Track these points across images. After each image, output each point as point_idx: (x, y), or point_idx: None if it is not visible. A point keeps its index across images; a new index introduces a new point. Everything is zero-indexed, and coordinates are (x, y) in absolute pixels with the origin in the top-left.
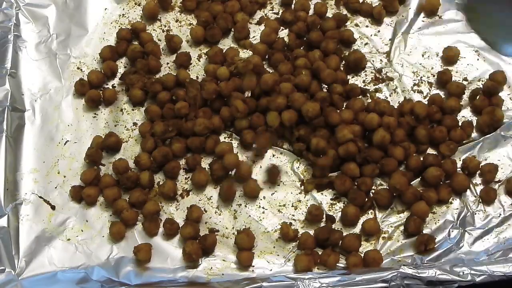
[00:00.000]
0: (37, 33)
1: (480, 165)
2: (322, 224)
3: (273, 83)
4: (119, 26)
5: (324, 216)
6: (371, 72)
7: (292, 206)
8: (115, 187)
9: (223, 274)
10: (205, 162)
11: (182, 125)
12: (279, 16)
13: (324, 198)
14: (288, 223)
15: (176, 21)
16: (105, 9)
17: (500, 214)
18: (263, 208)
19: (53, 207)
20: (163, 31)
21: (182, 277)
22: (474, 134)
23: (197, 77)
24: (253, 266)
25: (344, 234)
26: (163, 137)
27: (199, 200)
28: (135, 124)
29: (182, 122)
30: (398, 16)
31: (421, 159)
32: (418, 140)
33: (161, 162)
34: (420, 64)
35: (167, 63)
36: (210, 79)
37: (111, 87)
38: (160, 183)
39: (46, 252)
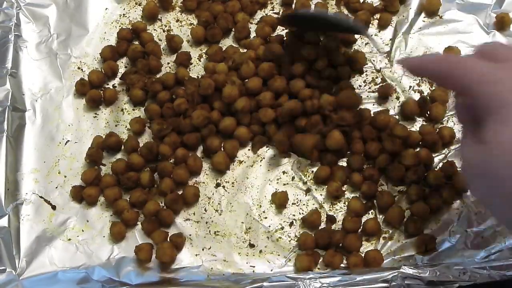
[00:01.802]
0: (38, 33)
1: None
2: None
3: (271, 70)
4: (119, 26)
5: (325, 216)
6: (372, 72)
7: (293, 205)
8: (115, 187)
9: (223, 274)
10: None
11: (181, 122)
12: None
13: (325, 198)
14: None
15: (177, 21)
16: (106, 9)
17: None
18: (264, 207)
19: (53, 207)
20: (163, 31)
21: (183, 276)
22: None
23: (198, 77)
24: (254, 266)
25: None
26: (159, 134)
27: (201, 200)
28: None
29: (180, 120)
30: (399, 16)
31: None
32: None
33: (147, 155)
34: None
35: (168, 63)
36: (208, 75)
37: (111, 87)
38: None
39: (47, 252)
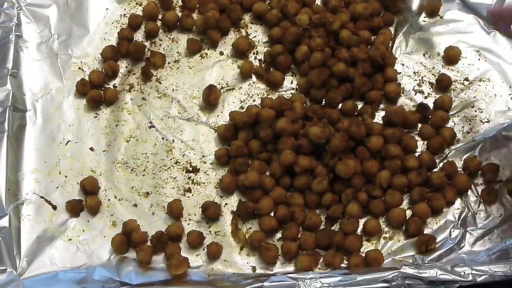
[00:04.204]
0: (39, 33)
1: (481, 165)
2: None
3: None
4: (120, 26)
5: (325, 217)
6: None
7: None
8: None
9: (224, 274)
10: None
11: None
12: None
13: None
14: None
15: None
16: (106, 9)
17: (501, 214)
18: None
19: (54, 207)
20: (164, 31)
21: (183, 276)
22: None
23: None
24: (254, 266)
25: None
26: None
27: (201, 200)
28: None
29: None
30: (399, 16)
31: None
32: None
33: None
34: (421, 64)
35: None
36: None
37: (112, 87)
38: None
39: (48, 252)
